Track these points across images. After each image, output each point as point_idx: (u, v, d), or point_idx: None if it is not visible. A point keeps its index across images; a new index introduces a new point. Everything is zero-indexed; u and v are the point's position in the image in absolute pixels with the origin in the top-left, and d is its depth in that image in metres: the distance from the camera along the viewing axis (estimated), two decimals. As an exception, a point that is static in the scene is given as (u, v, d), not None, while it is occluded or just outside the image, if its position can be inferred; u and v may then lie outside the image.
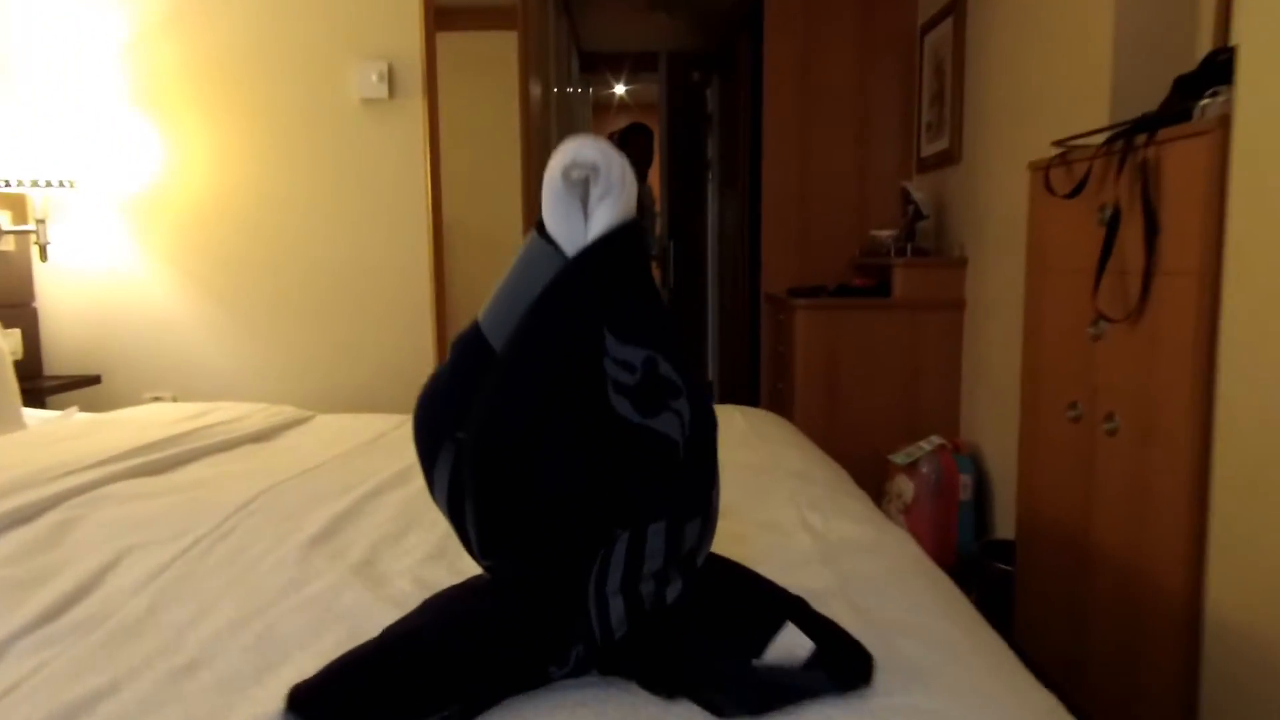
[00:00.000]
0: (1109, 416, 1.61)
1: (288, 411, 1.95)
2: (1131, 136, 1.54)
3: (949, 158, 2.90)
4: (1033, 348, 1.93)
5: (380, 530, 1.11)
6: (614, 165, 0.67)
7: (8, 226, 2.32)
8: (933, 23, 3.06)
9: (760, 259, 3.45)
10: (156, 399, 2.53)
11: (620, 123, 5.54)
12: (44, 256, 2.33)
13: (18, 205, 2.35)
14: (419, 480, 1.32)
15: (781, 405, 3.09)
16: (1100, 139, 1.66)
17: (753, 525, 1.08)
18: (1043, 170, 1.84)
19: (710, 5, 4.64)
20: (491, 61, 3.86)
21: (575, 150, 0.66)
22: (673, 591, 0.70)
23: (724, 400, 3.73)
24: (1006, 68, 2.50)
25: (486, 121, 3.93)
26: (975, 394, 2.77)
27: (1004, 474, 2.53)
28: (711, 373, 5.46)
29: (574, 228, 0.68)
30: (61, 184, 2.23)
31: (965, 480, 2.61)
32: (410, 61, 2.42)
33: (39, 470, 1.31)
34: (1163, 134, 1.48)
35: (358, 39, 2.41)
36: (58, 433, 1.67)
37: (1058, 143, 1.79)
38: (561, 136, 4.76)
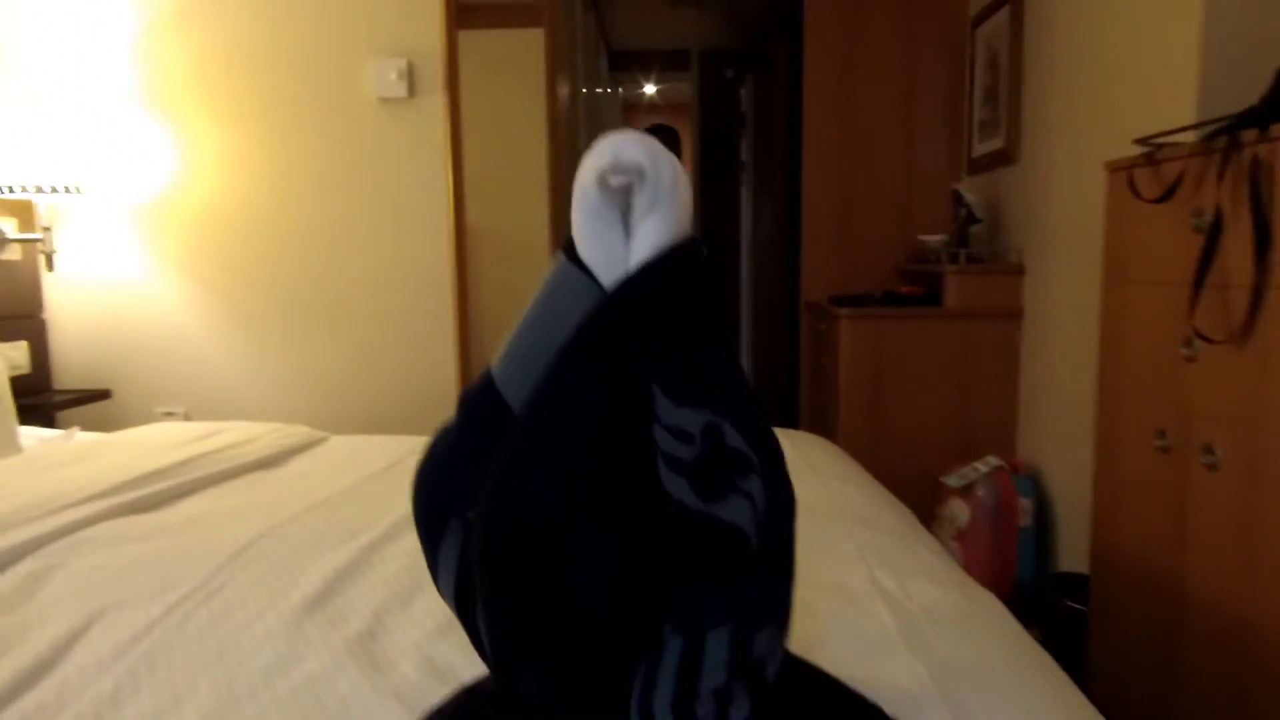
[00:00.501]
0: (1207, 449, 1.43)
1: (299, 433, 1.83)
2: (1237, 132, 1.36)
3: (1004, 158, 2.71)
4: (1111, 367, 1.74)
5: (385, 590, 0.96)
6: (664, 168, 0.52)
7: (13, 234, 2.22)
8: (986, 14, 2.87)
9: (799, 265, 3.28)
10: (168, 414, 2.42)
11: (649, 122, 5.39)
12: (50, 266, 2.23)
13: (24, 212, 2.25)
14: (433, 523, 1.18)
15: (823, 421, 2.92)
16: (1192, 137, 1.48)
17: (818, 589, 0.92)
18: (1125, 172, 1.65)
19: (744, 1, 4.48)
20: (517, 61, 3.73)
21: (615, 150, 0.51)
22: (738, 713, 0.55)
23: (761, 414, 3.56)
24: (1072, 60, 2.31)
25: (512, 123, 3.81)
26: (1035, 411, 2.58)
27: (1070, 500, 2.34)
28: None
29: (613, 250, 0.52)
30: (68, 190, 2.13)
31: (1025, 505, 2.43)
32: (431, 58, 2.29)
33: (21, 507, 1.19)
34: (1276, 129, 1.30)
35: (375, 35, 2.28)
36: (53, 458, 1.55)
37: (1141, 141, 1.61)
38: (591, 138, 4.60)
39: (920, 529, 1.21)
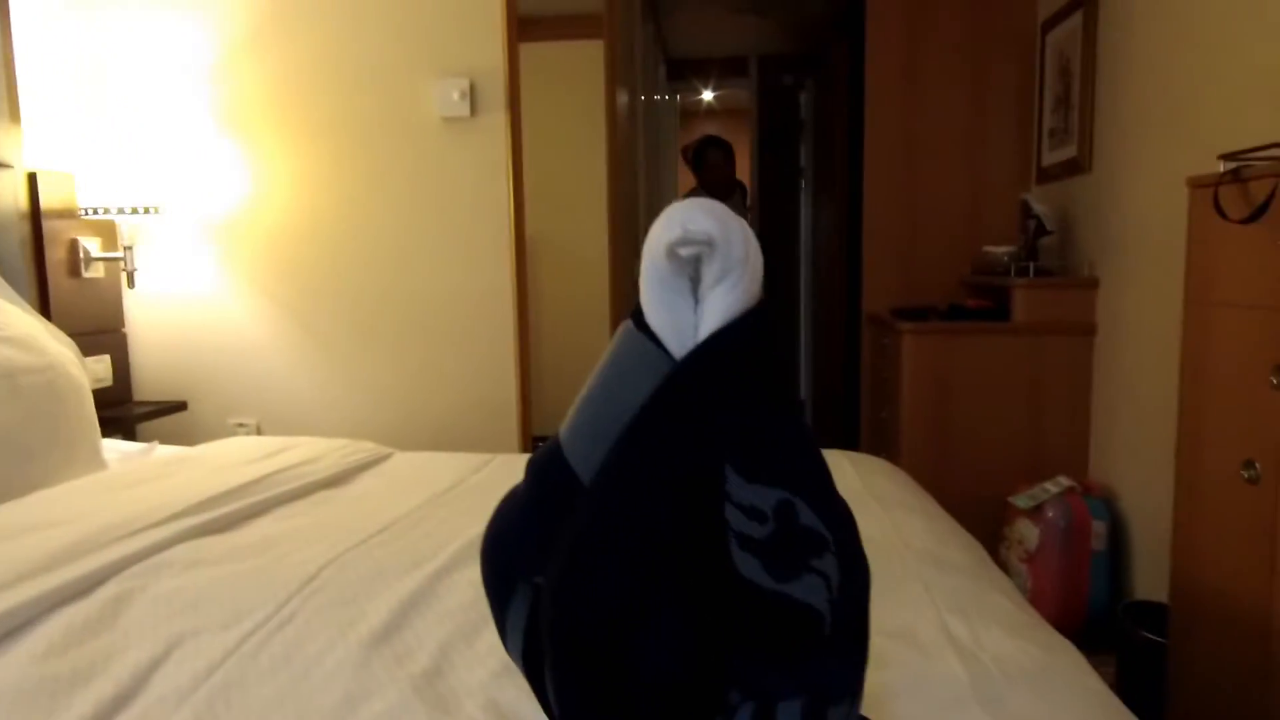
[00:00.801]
0: (1300, 482, 1.35)
1: (364, 450, 1.86)
2: (1334, 151, 1.29)
3: (1076, 167, 2.63)
4: (1192, 391, 1.67)
5: (451, 624, 0.97)
6: (735, 238, 0.51)
7: (97, 253, 2.32)
8: (1057, 19, 2.78)
9: (860, 275, 3.22)
10: (240, 425, 2.50)
11: (707, 129, 5.36)
12: (131, 283, 2.32)
13: (107, 231, 2.35)
14: (496, 553, 1.19)
15: (884, 437, 2.87)
16: (1286, 152, 1.41)
17: (886, 635, 0.90)
18: (1209, 188, 1.58)
19: (804, 6, 4.43)
20: (576, 71, 3.76)
21: (684, 220, 0.51)
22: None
23: (818, 429, 3.52)
24: (1151, 69, 2.22)
25: (570, 133, 3.83)
26: (1109, 430, 2.49)
27: (1147, 524, 2.25)
28: (803, 398, 5.22)
29: (681, 319, 0.52)
30: (148, 210, 2.21)
31: (1098, 528, 2.34)
32: (492, 77, 2.31)
33: (105, 527, 1.23)
34: (1378, 148, 1.23)
35: (439, 56, 2.32)
36: (134, 474, 1.61)
37: (1227, 156, 1.54)
38: (649, 146, 4.59)
39: (992, 567, 1.17)
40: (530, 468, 0.55)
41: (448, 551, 1.20)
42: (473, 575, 1.12)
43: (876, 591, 1.01)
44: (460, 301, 2.40)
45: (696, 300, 0.52)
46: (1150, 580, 2.22)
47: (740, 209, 4.21)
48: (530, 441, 2.53)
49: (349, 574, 1.12)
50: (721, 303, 0.51)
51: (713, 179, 4.19)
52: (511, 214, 2.37)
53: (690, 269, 0.52)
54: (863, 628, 0.53)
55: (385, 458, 1.88)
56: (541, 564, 0.52)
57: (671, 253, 0.51)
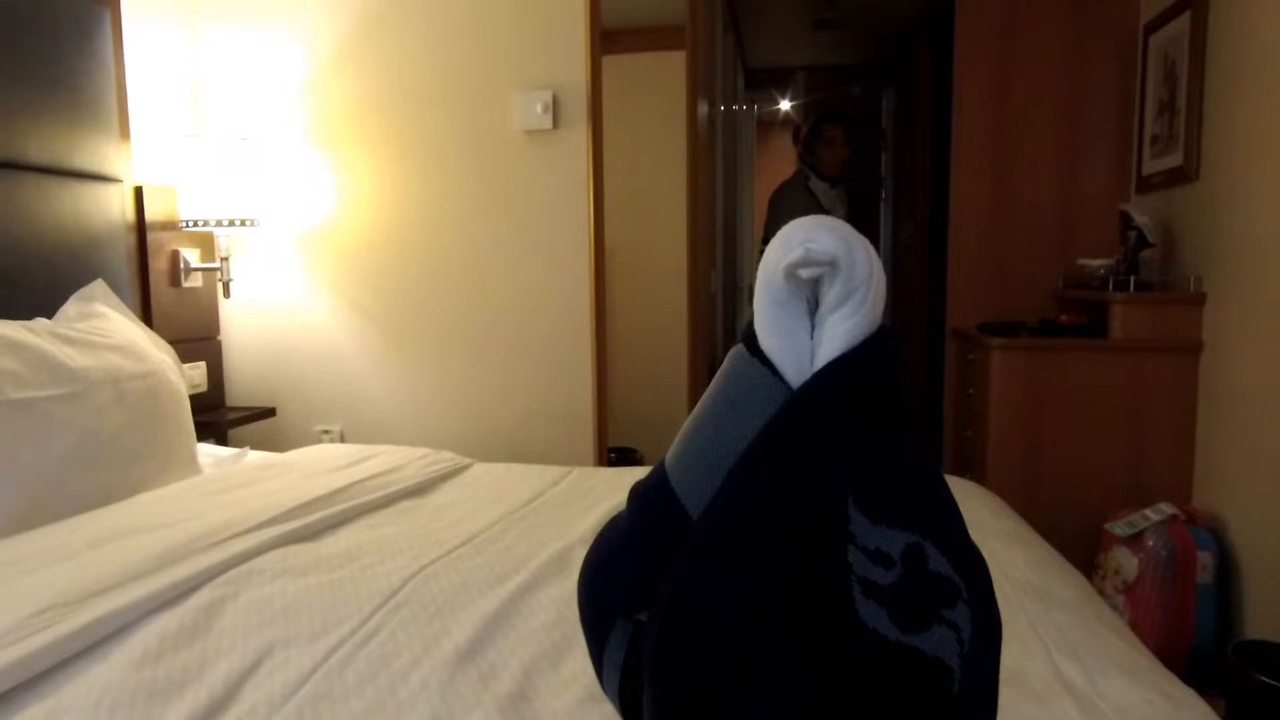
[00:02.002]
0: None
1: (444, 459, 1.88)
2: None
3: (1182, 176, 2.49)
4: (1320, 418, 1.55)
5: (535, 645, 0.96)
6: (859, 258, 0.48)
7: (196, 264, 2.41)
8: (1161, 20, 2.65)
9: (945, 288, 3.12)
10: (325, 432, 2.56)
11: (783, 141, 5.28)
12: (227, 293, 2.40)
13: (205, 242, 2.44)
14: (578, 571, 1.17)
15: (970, 457, 2.76)
16: None
17: (991, 677, 0.84)
18: (1341, 199, 1.47)
19: (884, 15, 4.34)
20: (657, 82, 3.75)
21: (806, 238, 0.48)
22: None
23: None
24: (1266, 70, 2.09)
25: (650, 142, 3.83)
26: (1217, 455, 2.34)
27: (1261, 556, 2.11)
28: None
29: (799, 344, 0.49)
30: (245, 223, 2.29)
31: (1204, 559, 2.20)
32: (575, 90, 2.32)
33: (198, 534, 1.27)
34: None
35: (522, 70, 2.34)
36: (226, 480, 1.66)
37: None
38: (728, 156, 4.54)
39: (1100, 603, 1.10)
40: (634, 497, 0.53)
41: (530, 568, 1.18)
42: (555, 594, 1.11)
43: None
44: (539, 312, 2.41)
45: (814, 324, 0.49)
46: (1264, 618, 2.07)
47: (845, 201, 3.89)
48: (605, 452, 2.52)
49: (433, 588, 1.12)
50: (843, 327, 0.48)
51: (830, 160, 3.73)
52: (591, 225, 2.37)
53: (809, 290, 0.49)
54: (994, 686, 0.49)
55: (465, 468, 1.90)
56: (644, 601, 0.50)
57: (791, 274, 0.48)
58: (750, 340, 0.51)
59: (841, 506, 0.44)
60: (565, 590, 1.11)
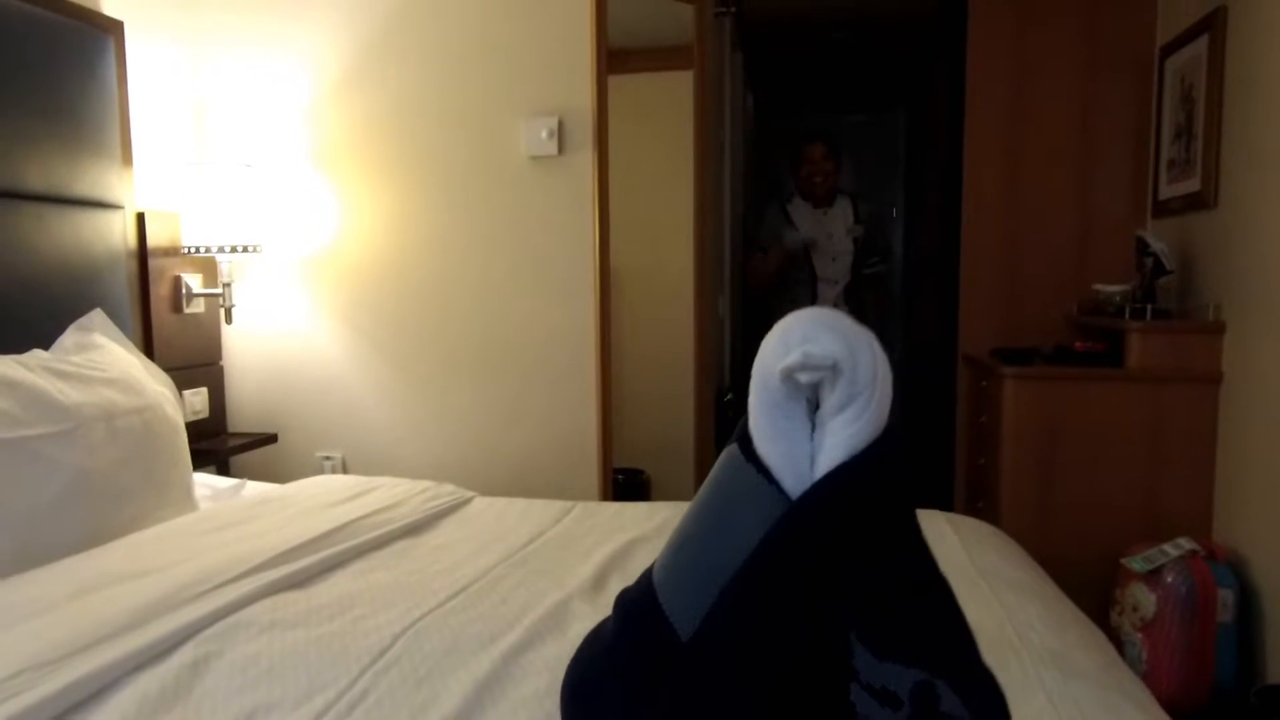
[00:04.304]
0: None
1: (444, 494, 1.85)
2: None
3: (1200, 201, 2.43)
4: (1347, 462, 1.50)
5: (526, 715, 0.92)
6: (863, 358, 0.44)
7: (198, 289, 2.38)
8: (1178, 43, 2.60)
9: (956, 313, 3.07)
10: (327, 459, 2.53)
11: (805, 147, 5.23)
12: (229, 319, 2.38)
13: (207, 268, 2.42)
14: (574, 628, 1.13)
15: (982, 487, 2.70)
16: None
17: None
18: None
19: (896, 32, 4.31)
20: (663, 102, 3.72)
21: (806, 341, 0.44)
22: None
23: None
24: (1289, 97, 2.04)
25: (657, 164, 3.79)
26: (1238, 490, 2.28)
27: (1282, 597, 2.04)
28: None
29: (797, 450, 0.45)
30: (247, 249, 2.27)
31: (1225, 597, 2.14)
32: (581, 115, 2.29)
33: (184, 584, 1.23)
34: None
35: (528, 96, 2.32)
36: (221, 517, 1.63)
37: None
38: (734, 175, 4.49)
39: (1124, 670, 1.05)
40: (620, 608, 0.49)
41: (524, 624, 1.14)
42: (549, 655, 1.06)
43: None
44: (543, 339, 2.38)
45: (814, 425, 0.45)
46: (1288, 661, 2.01)
47: (847, 220, 3.82)
48: (610, 479, 2.48)
49: (424, 646, 1.08)
50: (845, 432, 0.43)
51: (811, 178, 3.67)
52: (596, 251, 2.34)
53: (809, 390, 0.45)
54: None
55: (465, 502, 1.86)
56: (630, 721, 0.46)
57: (788, 377, 0.44)
58: (745, 443, 0.47)
59: (843, 638, 0.40)
60: (560, 651, 1.06)
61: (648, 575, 0.48)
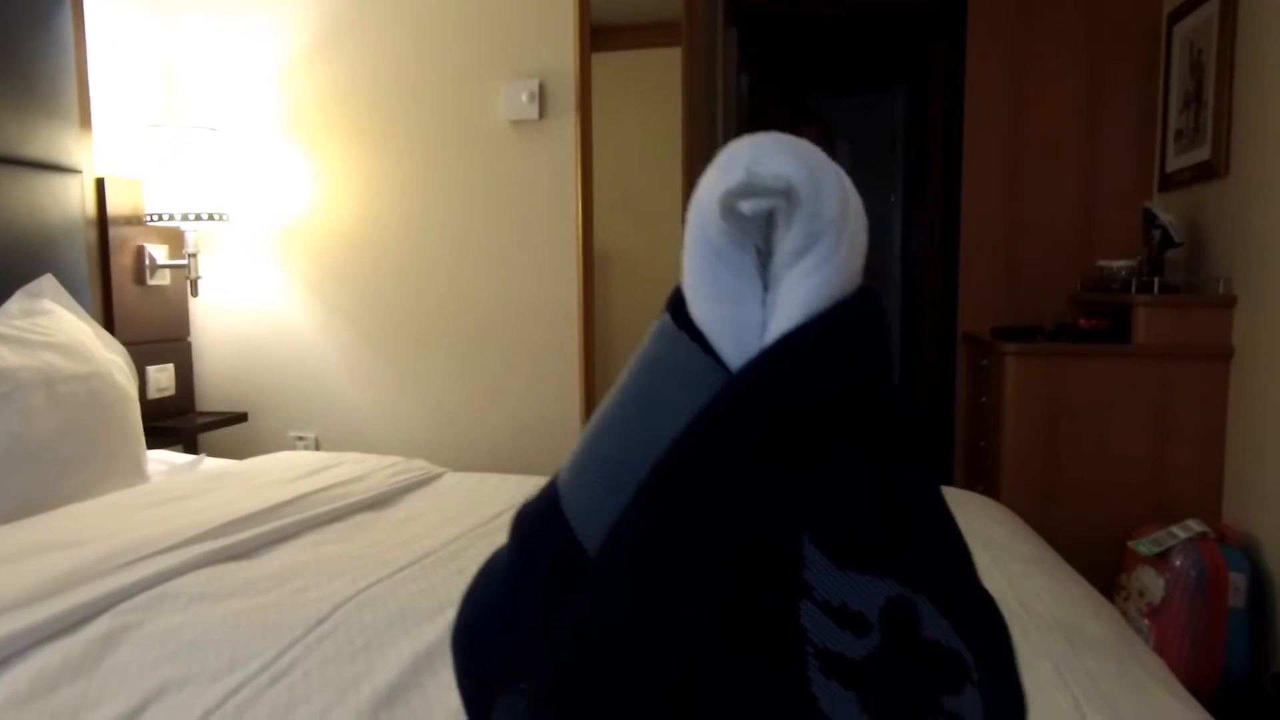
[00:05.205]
0: None
1: (413, 469, 1.74)
2: None
3: (1210, 171, 2.33)
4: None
5: (468, 689, 0.81)
6: (828, 188, 0.33)
7: (163, 260, 2.28)
8: (1187, 8, 2.50)
9: (957, 291, 2.97)
10: (300, 438, 2.43)
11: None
12: (195, 291, 2.28)
13: (174, 238, 2.31)
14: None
15: (984, 468, 2.60)
16: None
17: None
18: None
19: (894, 6, 4.20)
20: (653, 80, 3.62)
21: (751, 161, 0.33)
22: None
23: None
24: (1305, 53, 1.93)
25: (646, 144, 3.69)
26: (1249, 470, 2.17)
27: (1298, 580, 1.94)
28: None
29: (743, 310, 0.34)
30: (214, 217, 2.16)
31: (1236, 581, 2.03)
32: (563, 78, 2.19)
33: (114, 551, 1.13)
34: None
35: (507, 58, 2.21)
36: (172, 489, 1.53)
37: None
38: (729, 158, 4.42)
39: (1136, 640, 0.95)
40: (516, 525, 0.38)
41: (479, 594, 1.04)
42: (503, 625, 0.96)
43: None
44: (525, 313, 2.28)
45: (766, 284, 0.35)
46: (1305, 647, 1.91)
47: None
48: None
49: (365, 616, 0.98)
50: (803, 286, 0.33)
51: None
52: (579, 221, 2.23)
53: (758, 236, 0.35)
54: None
55: (435, 477, 1.76)
56: (530, 666, 0.36)
57: (730, 209, 0.33)
58: (677, 308, 0.36)
59: (793, 542, 0.30)
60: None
61: (552, 481, 0.37)
